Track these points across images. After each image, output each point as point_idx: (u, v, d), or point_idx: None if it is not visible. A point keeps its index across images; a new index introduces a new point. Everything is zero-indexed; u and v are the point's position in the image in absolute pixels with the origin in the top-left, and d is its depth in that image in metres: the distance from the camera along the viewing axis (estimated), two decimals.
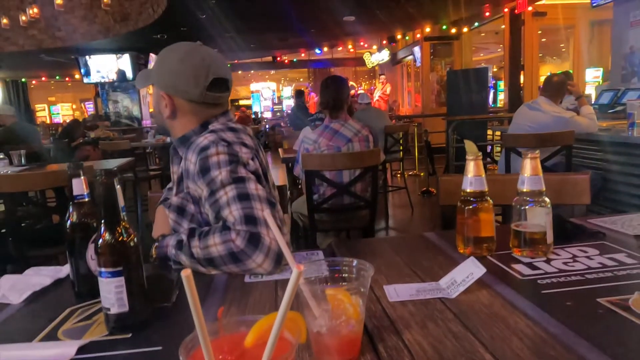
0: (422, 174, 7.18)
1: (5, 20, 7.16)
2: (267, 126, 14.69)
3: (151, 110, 11.46)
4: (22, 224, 2.80)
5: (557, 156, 3.06)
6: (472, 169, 0.98)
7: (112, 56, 10.64)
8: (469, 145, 0.99)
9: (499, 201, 1.45)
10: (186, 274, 0.39)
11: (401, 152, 5.58)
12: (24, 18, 6.90)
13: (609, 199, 3.28)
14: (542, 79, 8.59)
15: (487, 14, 8.59)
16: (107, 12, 7.77)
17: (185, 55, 1.20)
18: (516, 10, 7.72)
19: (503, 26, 8.70)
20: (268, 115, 18.31)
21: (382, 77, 13.42)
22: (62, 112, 19.23)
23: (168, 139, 6.08)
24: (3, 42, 8.53)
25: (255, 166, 1.15)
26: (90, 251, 0.91)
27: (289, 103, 19.95)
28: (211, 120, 1.24)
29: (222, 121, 1.24)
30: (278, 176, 7.54)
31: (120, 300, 0.76)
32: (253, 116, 15.71)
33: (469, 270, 0.83)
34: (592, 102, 5.41)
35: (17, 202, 2.61)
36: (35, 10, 6.71)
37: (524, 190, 0.97)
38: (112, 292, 0.75)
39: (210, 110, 1.24)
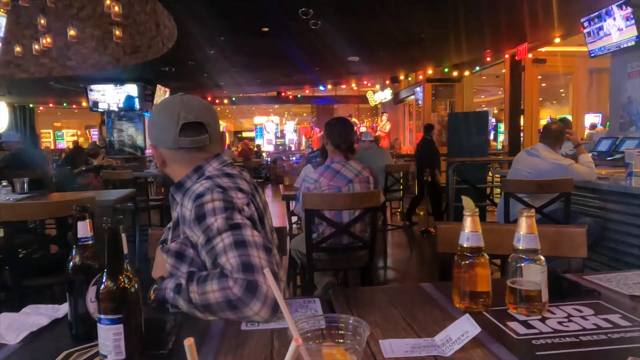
0: (421, 212, 7.18)
1: (18, 49, 7.35)
2: (268, 159, 14.81)
3: None
4: (20, 253, 2.80)
5: (555, 203, 3.08)
6: (469, 224, 1.00)
7: (120, 86, 10.85)
8: (466, 202, 1.02)
9: (498, 251, 1.47)
10: (189, 343, 0.40)
11: (401, 191, 5.61)
12: (37, 47, 7.08)
13: (607, 247, 3.28)
14: (542, 122, 8.75)
15: (488, 59, 8.81)
16: (118, 44, 7.98)
17: (161, 107, 1.29)
18: (517, 57, 7.93)
19: (504, 70, 8.91)
20: (270, 148, 18.48)
21: (385, 115, 13.64)
22: (67, 138, 19.44)
23: None
24: (14, 69, 8.73)
25: (251, 211, 1.16)
26: (91, 294, 0.92)
27: (291, 137, 20.18)
28: (204, 165, 1.26)
29: (216, 165, 1.26)
30: (278, 211, 7.55)
31: (117, 348, 0.76)
32: (255, 149, 15.86)
33: (464, 328, 0.83)
34: (592, 149, 5.48)
35: (17, 230, 2.61)
36: (49, 40, 6.89)
37: (520, 247, 0.99)
38: (110, 339, 0.76)
39: (196, 154, 1.26)
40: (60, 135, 19.69)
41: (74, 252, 0.94)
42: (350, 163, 2.77)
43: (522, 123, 8.69)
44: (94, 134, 17.01)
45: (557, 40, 7.27)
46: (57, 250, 3.08)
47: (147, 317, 0.86)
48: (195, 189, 1.16)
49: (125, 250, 0.81)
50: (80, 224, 0.93)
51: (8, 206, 2.65)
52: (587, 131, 9.57)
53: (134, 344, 0.78)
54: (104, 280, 0.78)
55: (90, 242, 0.94)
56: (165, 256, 1.20)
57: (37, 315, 1.05)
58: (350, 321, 0.71)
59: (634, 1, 5.06)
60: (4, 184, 3.51)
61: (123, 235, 0.80)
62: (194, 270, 1.12)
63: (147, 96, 11.24)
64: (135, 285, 0.80)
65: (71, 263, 0.94)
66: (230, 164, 1.31)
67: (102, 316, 0.76)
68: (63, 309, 1.07)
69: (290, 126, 21.35)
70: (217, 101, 16.11)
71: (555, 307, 1.02)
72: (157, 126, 1.26)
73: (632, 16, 5.05)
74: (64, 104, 16.24)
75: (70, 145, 14.90)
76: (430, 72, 10.35)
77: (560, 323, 0.93)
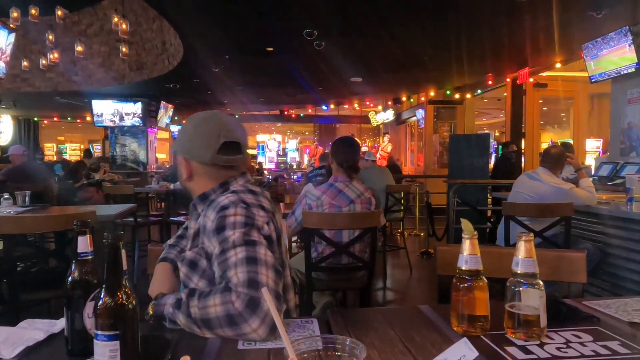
0: (422, 234, 7.16)
1: (25, 63, 7.44)
2: (269, 177, 14.81)
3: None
4: (18, 267, 2.79)
5: (556, 227, 3.08)
6: (468, 247, 1.00)
7: (125, 101, 10.95)
8: (465, 224, 1.02)
9: (497, 274, 1.46)
10: None
11: (402, 212, 5.61)
12: (44, 62, 7.17)
13: (607, 273, 3.26)
14: (543, 146, 8.77)
15: (490, 82, 8.89)
16: (124, 61, 8.09)
17: (200, 122, 1.30)
18: (518, 81, 8.01)
19: (505, 94, 8.98)
20: (271, 166, 18.51)
21: (387, 136, 13.71)
22: (70, 152, 19.49)
23: (172, 186, 6.15)
24: (21, 83, 8.83)
25: (270, 230, 1.18)
26: (89, 309, 0.92)
27: (293, 155, 20.25)
28: (230, 181, 1.29)
29: (241, 182, 1.29)
30: None
31: None
32: (257, 167, 15.87)
33: (462, 352, 0.83)
34: (592, 173, 5.48)
35: (16, 243, 2.61)
36: (56, 55, 6.99)
37: (518, 271, 0.99)
38: (107, 356, 0.76)
39: (226, 172, 1.29)
40: (63, 149, 19.74)
41: (73, 267, 0.94)
42: (353, 183, 2.78)
43: (523, 146, 8.72)
44: (97, 149, 17.08)
45: (558, 65, 7.35)
46: (55, 265, 3.07)
47: (144, 334, 0.86)
48: (220, 201, 1.18)
49: (125, 267, 0.81)
50: (80, 239, 0.93)
51: (9, 219, 2.65)
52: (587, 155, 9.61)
53: None
54: (102, 296, 0.78)
55: (89, 257, 0.95)
56: (180, 265, 1.23)
57: (34, 330, 1.05)
58: (347, 343, 0.71)
59: (634, 29, 5.13)
60: (6, 196, 3.52)
61: (123, 252, 0.80)
62: (196, 288, 1.12)
63: (150, 112, 11.33)
64: (134, 301, 0.80)
65: (70, 278, 0.94)
66: (253, 182, 1.34)
67: (99, 332, 0.76)
68: (60, 324, 1.06)
69: (292, 144, 21.44)
70: None
71: (554, 332, 1.01)
72: (194, 140, 1.28)
73: (632, 43, 5.12)
74: (69, 118, 16.36)
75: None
76: (432, 94, 10.44)
77: (558, 349, 0.93)
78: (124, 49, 6.52)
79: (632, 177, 3.35)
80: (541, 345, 0.95)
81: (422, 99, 10.97)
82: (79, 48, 6.59)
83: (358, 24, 5.78)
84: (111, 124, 11.21)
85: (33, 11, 5.53)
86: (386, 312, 1.18)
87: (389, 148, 13.18)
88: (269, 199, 1.28)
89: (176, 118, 15.02)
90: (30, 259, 3.16)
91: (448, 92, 10.28)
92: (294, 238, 4.49)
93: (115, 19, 5.87)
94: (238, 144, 1.29)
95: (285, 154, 20.38)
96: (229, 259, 1.09)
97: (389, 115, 13.76)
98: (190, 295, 1.06)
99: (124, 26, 5.87)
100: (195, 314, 1.02)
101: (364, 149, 14.37)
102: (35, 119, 16.21)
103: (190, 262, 1.20)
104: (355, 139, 15.00)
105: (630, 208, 3.12)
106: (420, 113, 11.20)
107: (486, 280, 1.02)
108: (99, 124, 11.36)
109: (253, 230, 1.13)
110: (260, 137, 21.98)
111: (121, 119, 11.07)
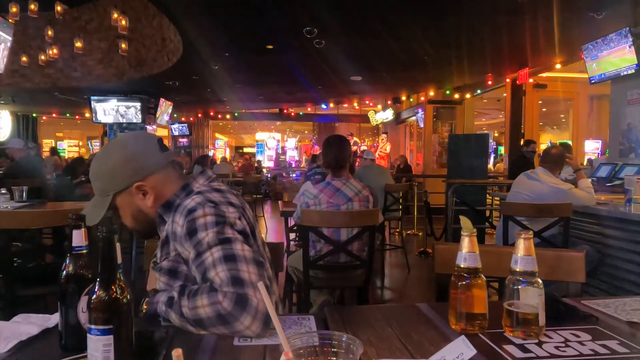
0: (420, 233, 7.16)
1: (24, 59, 7.42)
2: (268, 175, 14.81)
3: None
4: (15, 262, 2.77)
5: (554, 227, 3.07)
6: (467, 244, 1.00)
7: (124, 98, 10.93)
8: (464, 222, 1.01)
9: (495, 273, 1.46)
10: (177, 354, 0.39)
11: (400, 211, 5.60)
12: (43, 58, 7.15)
13: (606, 273, 3.26)
14: (542, 147, 8.77)
15: (490, 82, 8.89)
16: (123, 57, 8.06)
17: (124, 144, 1.24)
18: (518, 82, 8.00)
19: (505, 94, 8.98)
20: (270, 164, 18.51)
21: (384, 135, 13.71)
22: (68, 149, 19.44)
23: None
24: (19, 79, 8.80)
25: (243, 225, 1.16)
26: (82, 304, 0.91)
27: (292, 154, 20.24)
28: (190, 182, 1.25)
29: (202, 182, 1.25)
30: (276, 227, 7.52)
31: (107, 359, 0.75)
32: (256, 165, 15.87)
33: (459, 350, 0.82)
34: (591, 175, 5.48)
35: (12, 239, 2.60)
36: (55, 51, 6.97)
37: (517, 269, 0.98)
38: (100, 351, 0.75)
39: (176, 170, 1.27)
40: (62, 146, 19.70)
41: (67, 261, 0.93)
42: (350, 181, 2.77)
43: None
44: (96, 145, 17.05)
45: (558, 66, 7.34)
46: (52, 260, 3.06)
47: (139, 330, 0.85)
48: (186, 204, 1.15)
49: (119, 261, 0.80)
50: (75, 233, 0.92)
51: (5, 214, 2.64)
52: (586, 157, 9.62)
53: (123, 356, 0.77)
54: (96, 290, 0.77)
55: (84, 251, 0.94)
56: (157, 275, 1.18)
57: (28, 325, 1.04)
58: (344, 339, 0.70)
59: (634, 30, 5.13)
60: (3, 191, 3.51)
61: (117, 245, 0.79)
62: (186, 284, 1.11)
63: (150, 109, 11.31)
64: (128, 296, 0.79)
65: (64, 272, 0.93)
66: (216, 179, 1.30)
67: (93, 326, 0.75)
68: (54, 319, 1.06)
69: (291, 143, 21.43)
70: (219, 116, 16.19)
71: (552, 331, 1.00)
72: (137, 157, 1.20)
73: (632, 44, 5.12)
74: (67, 115, 16.31)
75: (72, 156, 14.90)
76: (432, 93, 10.42)
77: (557, 348, 0.92)
78: (123, 45, 6.50)
79: (631, 179, 3.35)
80: (539, 344, 0.94)
81: (422, 98, 10.96)
82: (78, 44, 6.58)
83: (358, 23, 5.77)
84: (110, 121, 11.18)
85: (32, 6, 5.51)
86: (384, 309, 1.17)
87: (388, 147, 13.17)
88: (236, 194, 1.25)
89: (175, 115, 15.01)
90: (27, 254, 3.15)
91: (448, 92, 10.27)
92: (292, 236, 4.48)
93: (115, 15, 5.85)
94: (161, 141, 1.27)
95: (284, 152, 20.38)
96: (206, 260, 1.06)
97: (388, 115, 13.74)
98: (181, 293, 1.04)
99: (123, 22, 5.86)
100: (187, 314, 1.01)
101: (363, 147, 14.36)
102: (34, 115, 16.17)
103: (169, 270, 1.16)
104: (355, 138, 14.91)
105: (628, 209, 3.12)
106: (419, 113, 11.19)
107: (485, 278, 1.01)
108: (98, 121, 11.33)
109: (226, 228, 1.10)
110: (259, 136, 21.98)
111: (120, 115, 11.04)
